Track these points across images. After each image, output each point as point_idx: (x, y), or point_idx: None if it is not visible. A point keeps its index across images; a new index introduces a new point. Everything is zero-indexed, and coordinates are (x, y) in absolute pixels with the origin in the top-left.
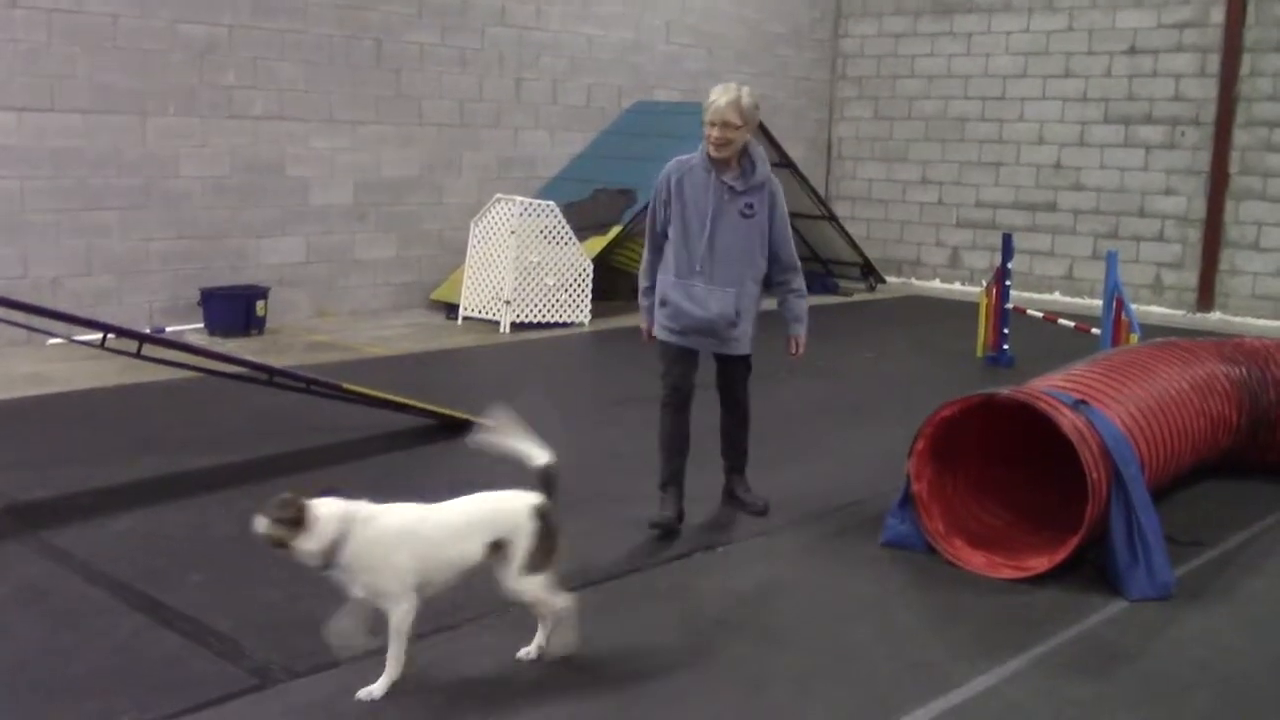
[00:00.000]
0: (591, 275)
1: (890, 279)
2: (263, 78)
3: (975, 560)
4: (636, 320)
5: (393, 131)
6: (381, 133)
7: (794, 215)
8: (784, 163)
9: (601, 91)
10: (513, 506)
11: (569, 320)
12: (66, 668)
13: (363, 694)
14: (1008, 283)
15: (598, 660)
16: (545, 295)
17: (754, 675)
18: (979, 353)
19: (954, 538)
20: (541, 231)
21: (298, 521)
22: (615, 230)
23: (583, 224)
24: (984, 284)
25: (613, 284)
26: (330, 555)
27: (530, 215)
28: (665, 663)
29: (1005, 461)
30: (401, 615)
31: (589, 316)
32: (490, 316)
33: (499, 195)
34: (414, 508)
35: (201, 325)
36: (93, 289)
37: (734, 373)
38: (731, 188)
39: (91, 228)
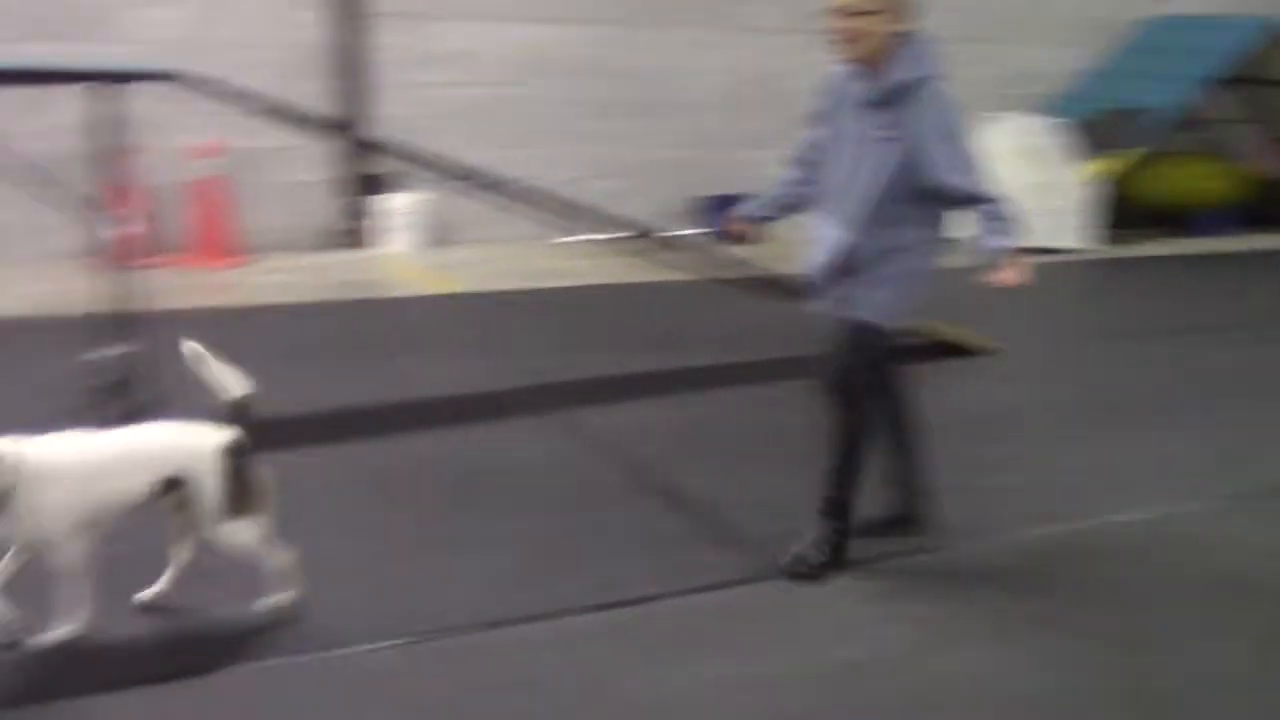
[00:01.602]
0: (1097, 200)
1: None
2: None
3: None
4: (1146, 250)
5: None
6: None
7: None
8: None
9: (1114, 2)
10: (192, 443)
11: (1069, 246)
12: (588, 536)
13: (41, 640)
14: None
15: (1092, 606)
16: (1045, 219)
17: (1270, 636)
18: None
19: None
20: (1043, 151)
21: None
22: (1125, 154)
23: (1088, 145)
24: None
25: (1122, 211)
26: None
27: (1031, 134)
28: (1170, 618)
29: None
30: (71, 557)
31: (1093, 243)
32: None
33: (998, 112)
34: (70, 437)
35: (698, 231)
36: (601, 193)
37: (839, 349)
38: (867, 101)
39: (603, 135)
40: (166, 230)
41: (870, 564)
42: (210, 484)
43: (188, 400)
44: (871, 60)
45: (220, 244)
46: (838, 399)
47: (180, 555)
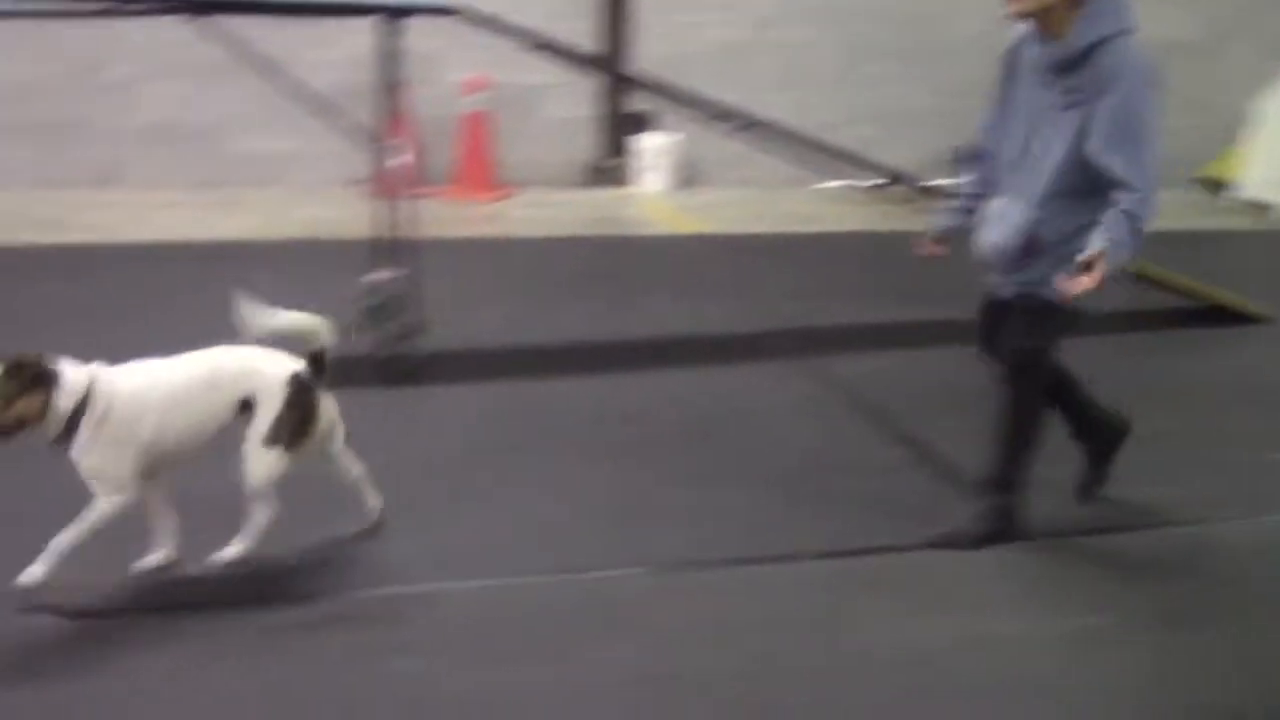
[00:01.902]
0: None
1: None
2: None
3: None
4: None
5: None
6: None
7: None
8: None
9: None
10: (266, 365)
11: None
12: (833, 482)
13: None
14: None
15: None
16: None
17: None
18: None
19: None
20: None
21: (35, 384)
22: None
23: None
24: None
25: None
26: (68, 432)
27: None
28: None
29: None
30: (113, 508)
31: None
32: (1271, 199)
33: None
34: (152, 365)
35: (955, 181)
36: (858, 139)
37: (1011, 325)
38: (1049, 65)
39: (862, 79)
40: (434, 162)
41: (1115, 532)
42: (271, 408)
43: (447, 323)
44: (1046, 18)
45: (484, 177)
46: (1018, 377)
47: (346, 476)
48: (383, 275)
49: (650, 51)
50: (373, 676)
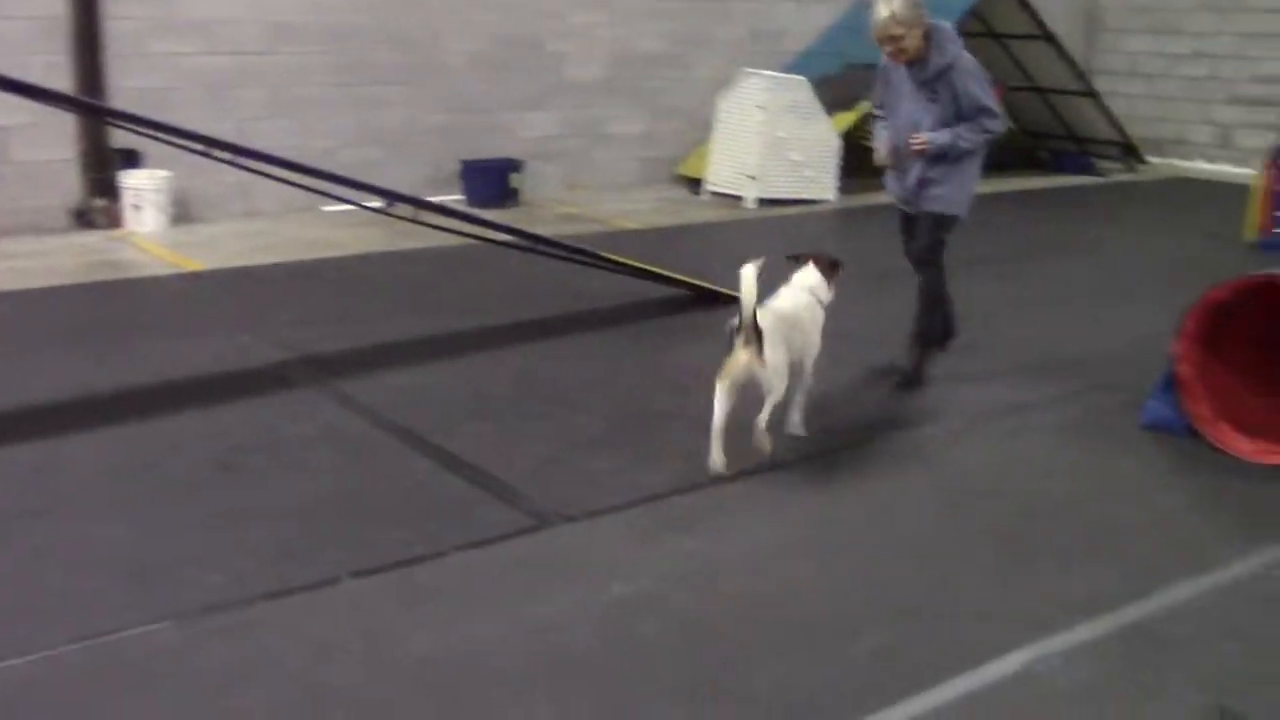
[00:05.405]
0: (839, 151)
1: (1151, 159)
2: None
3: (1242, 446)
4: (886, 198)
5: (646, 4)
6: (635, 5)
7: (1051, 91)
8: (1043, 35)
9: None
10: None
11: (815, 197)
12: (364, 502)
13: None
14: None
15: (849, 522)
16: (792, 171)
17: (1013, 545)
18: (1249, 236)
19: (1220, 422)
20: (789, 106)
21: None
22: (864, 106)
23: (831, 99)
24: (1258, 165)
25: (860, 161)
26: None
27: (778, 90)
28: (919, 527)
29: (1277, 347)
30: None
31: (836, 193)
32: (736, 192)
33: (747, 69)
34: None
35: (459, 196)
36: (362, 160)
37: (918, 232)
38: (920, 81)
39: (362, 101)
40: None
41: (648, 503)
42: None
43: None
44: (914, 57)
45: None
46: (925, 267)
47: None
48: None
49: (130, 85)
50: None
